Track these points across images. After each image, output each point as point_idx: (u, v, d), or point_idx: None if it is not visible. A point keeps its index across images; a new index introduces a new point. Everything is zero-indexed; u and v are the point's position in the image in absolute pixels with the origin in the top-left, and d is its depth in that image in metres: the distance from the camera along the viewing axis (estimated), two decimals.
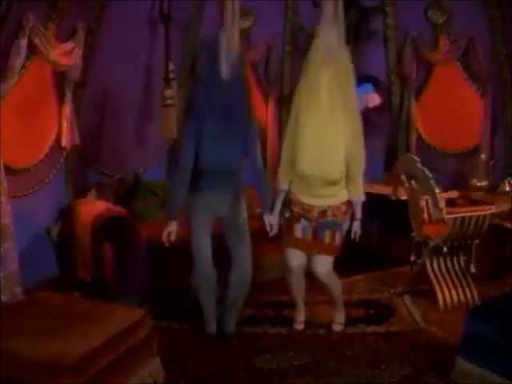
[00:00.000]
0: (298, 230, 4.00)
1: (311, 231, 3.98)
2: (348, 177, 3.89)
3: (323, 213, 3.93)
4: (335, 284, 4.11)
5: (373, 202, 5.38)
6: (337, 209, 3.92)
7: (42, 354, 2.83)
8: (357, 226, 4.00)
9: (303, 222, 3.98)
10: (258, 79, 6.11)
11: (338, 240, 3.96)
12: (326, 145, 3.78)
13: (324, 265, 3.96)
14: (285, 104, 6.19)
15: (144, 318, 3.28)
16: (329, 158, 3.79)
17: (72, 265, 4.64)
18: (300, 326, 4.22)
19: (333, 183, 3.86)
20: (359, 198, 3.94)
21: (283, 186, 4.04)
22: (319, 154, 3.79)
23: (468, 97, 6.09)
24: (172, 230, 3.74)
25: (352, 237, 4.00)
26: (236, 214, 3.97)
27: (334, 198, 3.92)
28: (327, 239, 3.94)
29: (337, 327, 4.17)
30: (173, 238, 3.75)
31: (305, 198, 3.95)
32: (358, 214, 3.98)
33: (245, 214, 4.02)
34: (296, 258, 4.03)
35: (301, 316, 4.25)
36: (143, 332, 3.24)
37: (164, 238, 3.75)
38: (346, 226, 3.99)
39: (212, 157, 3.74)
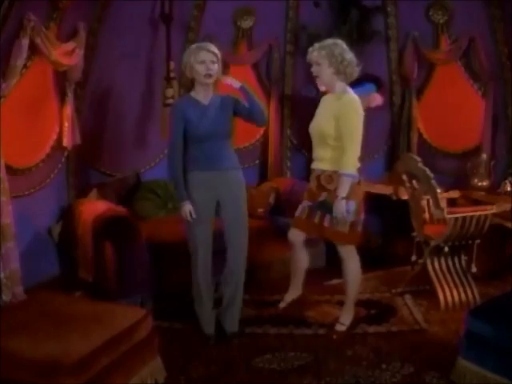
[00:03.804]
0: (299, 209, 4.21)
1: (307, 211, 4.15)
2: (342, 149, 3.87)
3: (319, 181, 4.00)
4: (354, 266, 4.08)
5: (374, 202, 5.40)
6: (328, 178, 3.94)
7: (42, 353, 2.83)
8: (340, 207, 3.82)
9: (304, 203, 4.18)
10: (260, 79, 6.11)
11: (326, 223, 3.99)
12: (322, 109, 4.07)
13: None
14: (286, 103, 6.20)
15: (145, 318, 3.27)
16: (322, 116, 4.03)
17: (73, 264, 4.64)
18: (282, 305, 4.37)
19: (326, 140, 3.92)
20: (344, 168, 3.82)
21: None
22: (322, 106, 4.09)
23: (469, 96, 6.09)
24: (190, 208, 3.78)
25: (334, 215, 3.88)
26: (236, 195, 3.93)
27: (327, 163, 3.96)
28: (316, 219, 4.08)
29: (339, 327, 4.14)
30: (194, 214, 3.78)
31: (312, 163, 4.14)
32: (341, 191, 3.82)
33: (245, 199, 3.99)
34: (292, 233, 4.28)
35: (288, 296, 4.38)
36: (144, 332, 3.23)
37: (187, 217, 3.78)
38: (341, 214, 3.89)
39: (202, 123, 3.76)
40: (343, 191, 3.82)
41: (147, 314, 3.32)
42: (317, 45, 3.94)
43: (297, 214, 4.23)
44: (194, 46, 3.87)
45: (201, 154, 3.82)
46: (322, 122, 3.99)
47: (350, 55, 3.91)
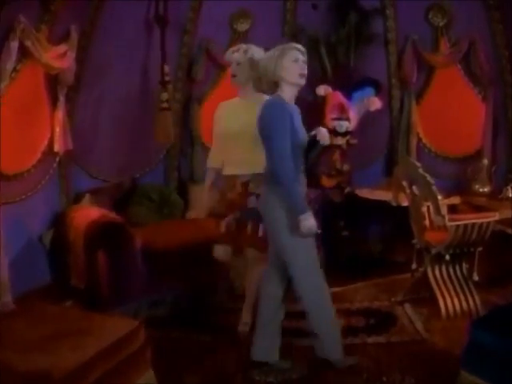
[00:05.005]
0: (223, 225, 3.98)
1: (235, 223, 3.93)
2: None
3: (246, 188, 3.84)
4: (254, 275, 3.96)
5: (373, 208, 5.34)
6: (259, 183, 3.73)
7: (32, 366, 2.75)
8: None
9: (228, 217, 3.96)
10: None
11: (261, 232, 3.79)
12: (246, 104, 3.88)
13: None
14: None
15: (137, 329, 3.18)
16: (249, 112, 3.70)
17: (65, 272, 4.57)
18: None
19: (254, 140, 3.60)
20: None
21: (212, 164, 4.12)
22: (241, 110, 3.89)
23: (469, 100, 6.05)
24: (313, 221, 3.30)
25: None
26: None
27: (255, 165, 3.66)
28: (249, 230, 3.86)
29: (242, 327, 4.08)
30: (317, 229, 3.37)
31: (229, 169, 3.94)
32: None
33: None
34: (219, 250, 4.08)
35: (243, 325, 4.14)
36: (136, 343, 3.15)
37: (316, 229, 3.33)
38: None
39: (302, 130, 3.44)
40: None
41: (139, 325, 3.23)
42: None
43: (221, 229, 3.99)
44: (280, 46, 3.51)
45: (297, 167, 3.41)
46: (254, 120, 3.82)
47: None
